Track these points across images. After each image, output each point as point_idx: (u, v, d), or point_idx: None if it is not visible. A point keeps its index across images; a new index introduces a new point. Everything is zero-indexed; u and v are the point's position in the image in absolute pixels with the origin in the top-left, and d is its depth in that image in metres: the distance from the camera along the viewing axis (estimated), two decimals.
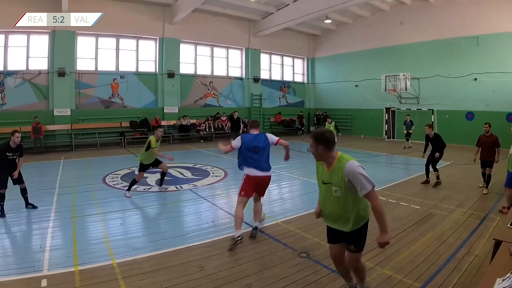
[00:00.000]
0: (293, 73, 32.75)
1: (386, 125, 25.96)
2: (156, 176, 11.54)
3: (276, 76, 31.19)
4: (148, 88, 23.19)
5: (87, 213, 8.02)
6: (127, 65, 22.63)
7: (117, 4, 20.92)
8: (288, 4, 23.44)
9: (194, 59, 25.72)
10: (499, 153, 9.55)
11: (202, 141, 23.63)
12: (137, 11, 21.78)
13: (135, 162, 15.20)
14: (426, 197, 9.47)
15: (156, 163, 10.01)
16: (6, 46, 18.82)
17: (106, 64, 21.84)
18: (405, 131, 20.64)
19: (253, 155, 6.48)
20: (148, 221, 7.85)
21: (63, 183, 11.17)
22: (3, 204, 7.70)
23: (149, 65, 23.53)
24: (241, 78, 28.11)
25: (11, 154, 7.90)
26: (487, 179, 9.97)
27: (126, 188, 9.72)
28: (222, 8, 24.04)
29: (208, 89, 26.09)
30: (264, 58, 29.64)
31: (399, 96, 24.36)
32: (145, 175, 11.76)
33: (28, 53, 19.34)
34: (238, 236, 6.10)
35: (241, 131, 19.28)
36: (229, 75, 27.66)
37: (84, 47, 21.07)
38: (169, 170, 12.93)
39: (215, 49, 26.67)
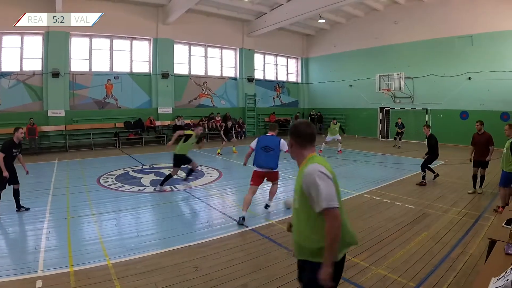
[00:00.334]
0: (287, 73, 32.76)
1: (380, 125, 26.03)
2: (151, 177, 11.57)
3: (270, 76, 31.19)
4: (142, 89, 23.11)
5: (81, 214, 7.98)
6: (121, 66, 22.52)
7: (110, 4, 20.83)
8: (282, 4, 23.44)
9: (188, 60, 25.65)
10: (492, 152, 9.47)
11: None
12: (130, 12, 21.71)
13: (129, 162, 15.20)
14: (421, 197, 9.50)
15: (188, 160, 10.41)
16: (0, 47, 18.71)
17: (100, 65, 21.72)
18: (396, 131, 21.16)
19: (263, 153, 7.76)
20: (143, 221, 7.81)
21: (58, 184, 11.10)
22: None
23: (143, 65, 23.45)
24: (235, 78, 28.08)
25: (15, 151, 8.08)
26: (480, 179, 9.86)
27: (160, 183, 10.30)
28: (216, 9, 24.02)
29: (202, 90, 26.05)
30: (258, 58, 29.61)
31: (393, 95, 24.42)
32: (139, 175, 11.76)
33: (22, 54, 19.20)
34: (241, 217, 7.30)
35: (232, 136, 19.44)
36: (223, 75, 27.61)
37: (78, 48, 20.95)
38: (163, 171, 13.00)
39: (209, 49, 26.62)
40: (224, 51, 27.56)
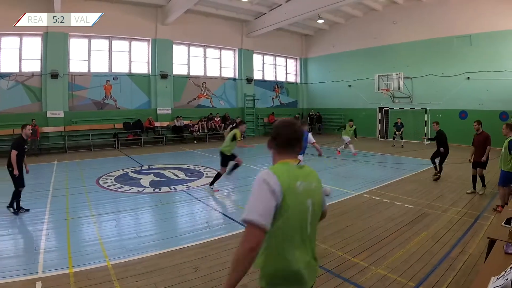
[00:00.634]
0: (286, 73, 32.77)
1: (379, 125, 26.02)
2: (150, 177, 11.60)
3: (269, 77, 31.20)
4: (141, 90, 23.09)
5: (81, 215, 7.98)
6: (120, 67, 22.51)
7: (109, 5, 20.81)
8: (281, 5, 23.44)
9: (187, 60, 25.64)
10: (488, 153, 9.40)
11: (195, 142, 23.56)
12: (129, 13, 21.69)
13: (128, 163, 15.19)
14: (420, 197, 9.51)
15: (234, 156, 10.61)
16: None
17: (99, 66, 21.70)
18: (394, 132, 21.46)
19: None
20: (142, 222, 7.81)
21: (57, 185, 11.09)
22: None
23: (142, 66, 23.44)
24: (234, 79, 28.08)
25: (26, 147, 8.42)
26: (480, 178, 9.80)
27: (210, 183, 10.62)
28: (215, 9, 24.01)
29: (201, 90, 26.04)
30: (257, 58, 29.63)
31: (392, 95, 24.42)
32: (138, 176, 11.76)
33: (20, 55, 19.16)
34: None
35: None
36: (222, 75, 27.60)
37: (77, 48, 20.92)
38: (163, 171, 13.01)
39: (208, 50, 26.61)
40: (223, 51, 27.54)
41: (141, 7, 22.05)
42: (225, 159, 10.44)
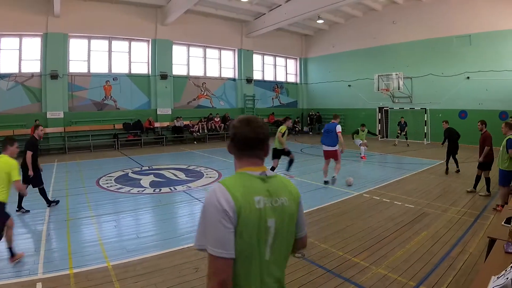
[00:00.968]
0: (286, 74, 32.79)
1: (379, 125, 26.01)
2: (150, 178, 11.63)
3: (269, 77, 31.22)
4: (141, 90, 23.09)
5: (81, 215, 7.98)
6: (120, 67, 22.51)
7: (109, 6, 20.83)
8: (280, 5, 23.45)
9: (187, 60, 25.66)
10: (486, 153, 9.39)
11: (195, 142, 23.57)
12: (129, 13, 21.70)
13: (128, 164, 15.19)
14: (420, 196, 9.51)
15: (289, 152, 11.61)
16: None
17: (99, 66, 21.70)
18: (398, 131, 21.36)
19: (325, 135, 10.89)
20: (142, 223, 7.81)
21: (57, 186, 11.06)
22: None
23: (141, 66, 23.44)
24: (234, 79, 28.09)
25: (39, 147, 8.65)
26: (485, 182, 9.65)
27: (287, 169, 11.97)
28: (214, 9, 24.02)
29: (201, 90, 26.05)
30: (256, 58, 29.65)
31: (392, 95, 24.43)
32: (138, 177, 11.78)
33: (20, 55, 19.14)
34: (324, 180, 11.00)
35: None
36: (222, 76, 27.62)
37: (77, 49, 20.91)
38: (163, 172, 13.04)
39: (207, 50, 26.63)
40: (222, 52, 27.57)
41: (140, 8, 22.05)
42: (277, 153, 11.45)
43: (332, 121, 10.98)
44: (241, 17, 26.04)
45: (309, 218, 7.55)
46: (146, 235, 6.84)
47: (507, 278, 2.28)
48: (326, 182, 10.91)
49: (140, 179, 11.90)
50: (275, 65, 31.79)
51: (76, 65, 20.90)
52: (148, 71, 23.49)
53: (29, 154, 7.99)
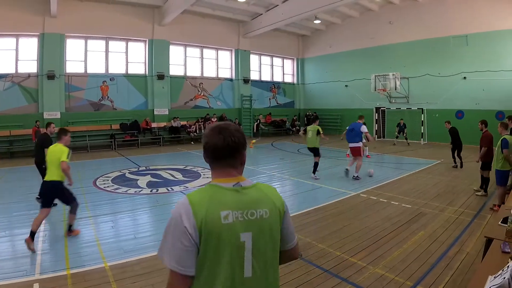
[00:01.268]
0: (283, 74, 32.81)
1: (376, 125, 26.04)
2: (147, 178, 11.62)
3: (266, 77, 31.21)
4: (138, 90, 23.06)
5: (78, 216, 7.89)
6: (117, 67, 22.47)
7: (106, 6, 20.80)
8: (277, 5, 23.46)
9: (184, 61, 25.64)
10: (483, 153, 9.36)
11: (192, 142, 23.52)
12: (126, 13, 21.66)
13: (125, 164, 15.17)
14: (417, 196, 9.53)
15: (317, 152, 12.04)
16: None
17: (96, 67, 21.66)
18: (396, 133, 21.74)
19: (349, 133, 11.91)
20: (140, 223, 7.80)
21: None
22: None
23: (138, 67, 23.41)
24: (231, 79, 28.09)
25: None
26: (484, 181, 9.69)
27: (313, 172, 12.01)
28: (211, 10, 24.03)
29: (198, 91, 26.03)
30: (253, 59, 29.63)
31: (388, 95, 24.47)
32: (135, 177, 11.76)
33: (17, 56, 19.09)
34: (346, 169, 12.04)
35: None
36: (219, 76, 27.61)
37: (73, 49, 20.87)
38: (160, 172, 13.03)
39: (204, 50, 26.62)
40: (219, 52, 27.56)
41: (137, 8, 22.03)
42: (314, 151, 11.97)
43: (358, 121, 12.03)
44: (238, 18, 26.05)
45: (307, 218, 7.57)
46: (143, 235, 6.83)
47: (504, 278, 2.29)
48: (346, 170, 11.95)
49: (137, 180, 11.88)
50: (272, 65, 31.79)
51: (73, 65, 20.85)
52: (145, 71, 23.45)
53: (47, 150, 8.11)
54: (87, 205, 8.85)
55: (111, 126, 21.57)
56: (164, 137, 22.84)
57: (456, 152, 13.74)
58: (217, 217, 1.69)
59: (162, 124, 23.54)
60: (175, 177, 12.36)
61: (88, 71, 21.35)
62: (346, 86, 28.11)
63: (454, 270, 5.09)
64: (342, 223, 7.36)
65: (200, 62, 26.48)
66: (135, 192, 10.32)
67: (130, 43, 22.89)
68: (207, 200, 1.73)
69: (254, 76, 29.53)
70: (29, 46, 19.40)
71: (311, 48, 31.86)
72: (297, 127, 29.89)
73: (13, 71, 18.91)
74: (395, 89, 22.79)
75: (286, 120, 30.30)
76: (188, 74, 25.68)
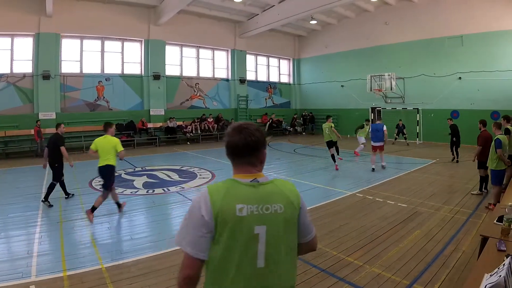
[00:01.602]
0: (279, 74, 32.82)
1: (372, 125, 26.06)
2: (143, 179, 11.65)
3: (262, 77, 31.23)
4: (134, 91, 22.99)
5: (74, 217, 7.93)
6: (113, 68, 22.40)
7: (101, 6, 20.74)
8: (273, 5, 23.48)
9: (180, 61, 25.61)
10: (478, 152, 9.32)
11: (188, 143, 23.53)
12: (122, 13, 21.61)
13: (121, 164, 15.11)
14: (413, 195, 9.56)
15: (334, 144, 14.03)
16: None
17: (91, 67, 21.58)
18: (395, 135, 21.94)
19: (375, 133, 13.54)
20: (136, 224, 7.77)
21: None
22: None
23: (134, 67, 23.36)
24: (227, 80, 28.07)
25: None
26: (480, 180, 9.71)
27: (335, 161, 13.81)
28: (208, 10, 24.01)
29: (194, 91, 26.00)
30: (250, 59, 29.64)
31: (384, 95, 24.53)
32: (131, 178, 11.75)
33: (12, 56, 18.98)
34: (372, 168, 13.34)
35: None
36: (215, 76, 27.59)
37: (69, 49, 20.78)
38: (156, 173, 13.02)
39: (200, 50, 26.59)
40: (216, 52, 27.55)
41: (133, 8, 21.98)
42: (330, 144, 13.90)
43: (377, 121, 14.19)
44: (234, 18, 26.03)
45: None
46: (140, 236, 6.82)
47: (500, 276, 2.30)
48: (373, 170, 13.25)
49: (133, 180, 11.85)
50: (268, 65, 31.80)
51: (69, 65, 20.75)
52: (141, 71, 23.41)
53: (63, 148, 9.16)
54: (83, 206, 8.81)
55: None
56: (160, 137, 22.80)
57: (454, 147, 15.02)
58: (233, 209, 1.82)
59: (158, 125, 23.49)
60: (171, 178, 12.35)
61: (83, 71, 21.27)
62: (342, 86, 28.15)
63: (450, 268, 5.12)
64: (338, 222, 7.37)
65: (196, 62, 26.44)
66: (131, 192, 10.30)
67: (126, 43, 22.83)
68: (224, 192, 1.86)
69: (250, 76, 29.54)
70: (24, 46, 19.29)
71: (307, 49, 31.89)
72: (297, 127, 29.97)
73: (8, 71, 18.78)
74: (391, 89, 22.83)
75: (283, 120, 30.29)
76: (184, 74, 25.65)
